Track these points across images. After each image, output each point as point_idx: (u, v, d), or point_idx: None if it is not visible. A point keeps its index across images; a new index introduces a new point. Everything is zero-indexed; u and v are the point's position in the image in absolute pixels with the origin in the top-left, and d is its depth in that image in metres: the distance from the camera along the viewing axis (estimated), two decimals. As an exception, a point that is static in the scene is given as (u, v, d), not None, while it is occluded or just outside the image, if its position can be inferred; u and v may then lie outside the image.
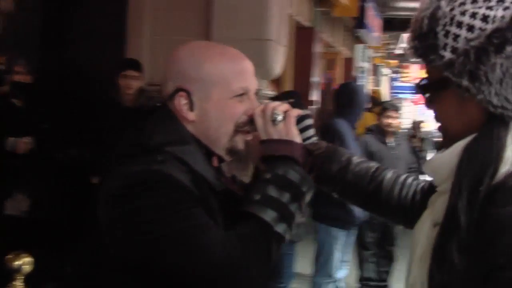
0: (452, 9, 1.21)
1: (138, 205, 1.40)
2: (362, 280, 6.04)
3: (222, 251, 1.39)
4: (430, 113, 1.32)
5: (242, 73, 1.58)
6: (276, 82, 7.22)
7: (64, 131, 5.15)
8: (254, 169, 1.66)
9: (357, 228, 5.13)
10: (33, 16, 5.98)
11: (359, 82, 11.81)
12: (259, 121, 1.58)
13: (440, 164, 1.28)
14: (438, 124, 1.31)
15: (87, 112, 4.98)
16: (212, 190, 1.52)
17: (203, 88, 1.54)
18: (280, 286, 4.76)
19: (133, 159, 1.47)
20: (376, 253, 5.96)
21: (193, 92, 1.54)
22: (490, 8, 1.17)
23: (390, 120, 5.84)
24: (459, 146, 1.23)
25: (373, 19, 13.21)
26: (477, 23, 1.17)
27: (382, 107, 6.09)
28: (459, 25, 1.19)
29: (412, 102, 22.00)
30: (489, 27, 1.16)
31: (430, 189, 1.55)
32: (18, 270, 2.09)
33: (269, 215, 1.46)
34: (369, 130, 6.00)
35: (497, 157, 1.17)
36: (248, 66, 1.60)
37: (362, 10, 11.58)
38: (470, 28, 1.18)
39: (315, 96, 9.49)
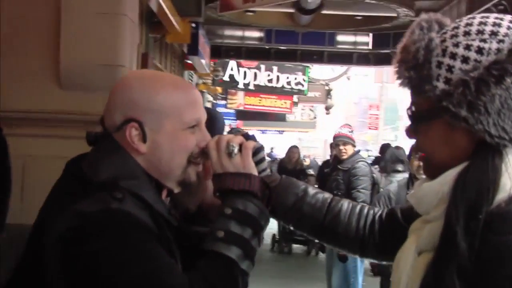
0: (443, 41, 1.24)
1: (98, 248, 1.32)
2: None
3: None
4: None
5: (194, 104, 1.53)
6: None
7: None
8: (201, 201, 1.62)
9: None
10: None
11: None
12: (213, 154, 1.52)
13: (429, 192, 1.28)
14: (420, 153, 1.32)
15: None
16: (169, 227, 1.46)
17: (156, 119, 1.47)
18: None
19: (87, 196, 1.36)
20: None
21: (145, 123, 1.46)
22: (484, 40, 1.20)
23: None
24: (449, 175, 1.24)
25: (204, 46, 13.39)
26: (472, 54, 1.20)
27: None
28: (453, 56, 1.21)
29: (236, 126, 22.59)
30: (484, 59, 1.19)
31: (389, 217, 1.57)
32: None
33: (234, 253, 1.42)
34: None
35: (493, 184, 1.19)
36: (199, 96, 1.56)
37: (194, 37, 11.69)
38: (465, 59, 1.20)
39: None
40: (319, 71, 25.63)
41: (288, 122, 28.78)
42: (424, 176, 1.35)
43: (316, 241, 1.73)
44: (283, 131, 31.88)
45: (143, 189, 1.44)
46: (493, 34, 1.21)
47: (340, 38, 15.57)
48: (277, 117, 27.15)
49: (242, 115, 25.92)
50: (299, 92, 22.87)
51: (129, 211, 1.36)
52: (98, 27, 5.15)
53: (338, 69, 23.85)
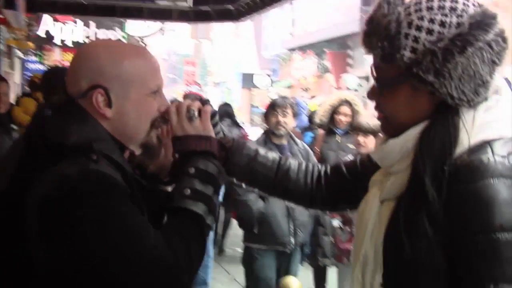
0: (408, 14, 1.41)
1: (84, 207, 1.38)
2: None
3: (169, 249, 1.43)
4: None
5: (156, 71, 1.63)
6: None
7: None
8: (172, 162, 1.71)
9: None
10: None
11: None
12: (174, 118, 1.64)
13: (394, 148, 1.46)
14: (381, 114, 1.50)
15: None
16: (138, 186, 1.54)
17: (122, 85, 1.55)
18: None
19: (64, 158, 1.42)
20: None
21: (111, 89, 1.54)
22: (445, 15, 1.38)
23: None
24: (412, 132, 1.42)
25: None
26: (436, 27, 1.37)
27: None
28: (419, 28, 1.38)
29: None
30: (446, 31, 1.37)
31: (334, 172, 1.78)
32: None
33: (201, 208, 1.54)
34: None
35: (454, 139, 1.38)
36: (158, 63, 1.65)
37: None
38: (430, 31, 1.38)
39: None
40: (135, 27, 25.18)
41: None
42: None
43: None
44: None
45: (113, 151, 1.51)
46: (452, 9, 1.38)
47: (160, -6, 15.40)
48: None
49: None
50: (117, 48, 22.27)
51: (106, 172, 1.43)
52: None
53: (153, 25, 23.56)
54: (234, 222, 6.13)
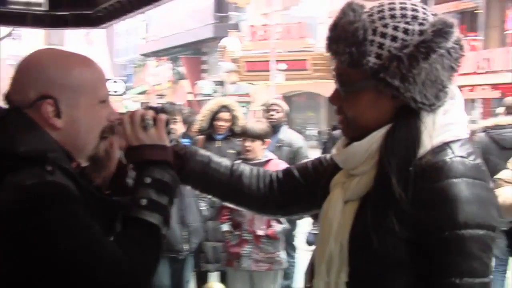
0: (372, 22, 1.46)
1: (43, 219, 1.38)
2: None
3: (125, 256, 1.45)
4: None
5: (103, 80, 1.63)
6: None
7: None
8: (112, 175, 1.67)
9: None
10: None
11: None
12: (127, 128, 1.61)
13: (359, 150, 1.50)
14: (343, 118, 1.54)
15: None
16: (92, 197, 1.53)
17: (72, 95, 1.53)
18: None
19: (19, 169, 1.41)
20: None
21: (60, 99, 1.51)
22: (408, 23, 1.45)
23: None
24: (377, 135, 1.48)
25: None
26: (400, 34, 1.44)
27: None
28: (383, 35, 1.44)
29: None
30: (409, 38, 1.44)
31: (286, 176, 1.79)
32: None
33: (157, 219, 1.54)
34: None
35: (417, 140, 1.45)
36: (104, 73, 1.64)
37: None
38: (394, 38, 1.44)
39: None
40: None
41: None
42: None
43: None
44: None
45: (66, 161, 1.49)
46: (414, 18, 1.46)
47: (12, -3, 14.69)
48: None
49: None
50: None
51: (62, 182, 1.43)
52: None
53: (3, 29, 22.41)
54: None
